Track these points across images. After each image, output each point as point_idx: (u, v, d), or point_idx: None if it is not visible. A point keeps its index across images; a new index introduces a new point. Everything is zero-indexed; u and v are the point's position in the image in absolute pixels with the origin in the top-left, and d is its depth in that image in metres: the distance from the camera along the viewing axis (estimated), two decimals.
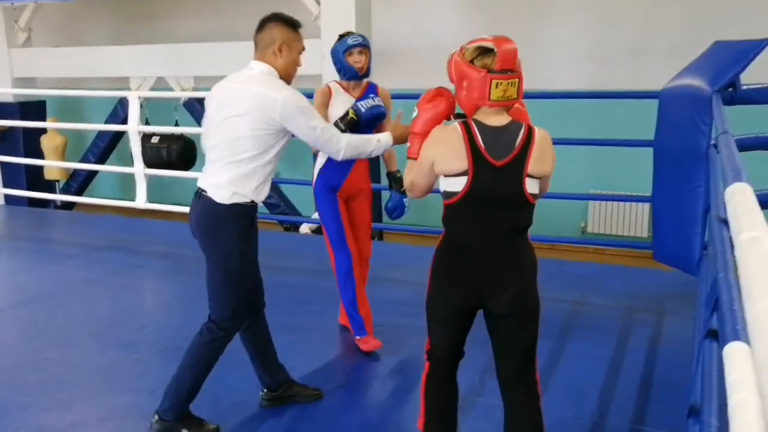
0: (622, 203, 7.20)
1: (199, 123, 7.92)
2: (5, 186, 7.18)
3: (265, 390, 2.92)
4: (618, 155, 6.33)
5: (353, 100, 3.33)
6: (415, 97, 7.24)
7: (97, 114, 8.85)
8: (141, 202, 6.04)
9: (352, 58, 3.29)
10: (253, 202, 2.60)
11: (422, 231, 7.01)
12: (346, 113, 3.26)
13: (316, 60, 6.86)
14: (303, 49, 2.73)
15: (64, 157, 8.55)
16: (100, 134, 8.36)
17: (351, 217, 3.52)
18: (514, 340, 2.17)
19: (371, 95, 3.35)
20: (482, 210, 2.06)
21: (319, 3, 6.83)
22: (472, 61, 2.05)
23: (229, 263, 2.59)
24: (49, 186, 8.72)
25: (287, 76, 2.67)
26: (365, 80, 3.43)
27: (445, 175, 2.08)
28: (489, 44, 2.03)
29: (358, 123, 3.23)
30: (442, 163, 2.07)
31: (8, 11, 8.56)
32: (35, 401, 3.01)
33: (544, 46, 7.31)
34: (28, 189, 7.58)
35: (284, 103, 2.51)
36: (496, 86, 2.00)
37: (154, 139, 7.60)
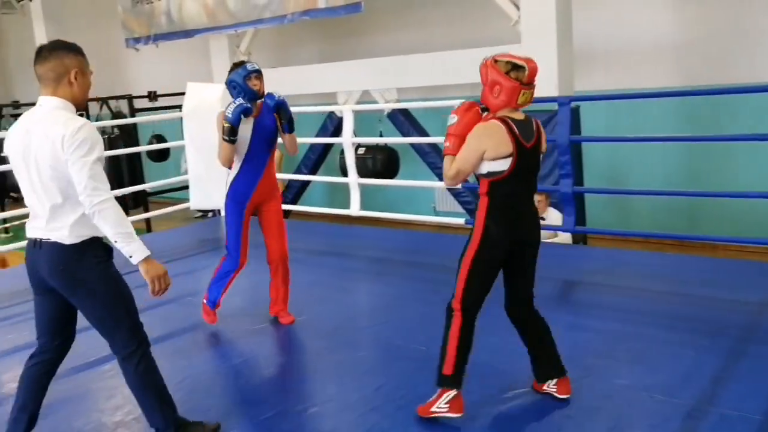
0: None
1: (402, 133, 8.29)
2: None
3: None
4: None
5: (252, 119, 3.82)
6: (618, 98, 7.04)
7: (307, 128, 9.50)
8: (355, 209, 6.40)
9: (251, 83, 3.77)
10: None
11: (627, 234, 6.77)
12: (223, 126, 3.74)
13: None
14: (92, 72, 2.70)
15: (280, 170, 9.29)
16: (312, 147, 8.95)
17: (263, 220, 4.04)
18: (531, 265, 2.93)
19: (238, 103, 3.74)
20: (520, 179, 2.78)
21: (518, 8, 6.82)
22: (507, 73, 2.69)
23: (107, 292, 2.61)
24: None
25: (83, 103, 2.68)
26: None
27: (493, 159, 2.72)
28: (520, 62, 2.70)
29: (233, 128, 3.70)
30: (493, 149, 2.71)
31: (232, 38, 9.46)
32: (272, 393, 3.32)
33: (755, 37, 6.76)
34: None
35: (72, 134, 2.45)
36: (522, 94, 2.71)
37: (360, 150, 8.00)
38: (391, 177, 8.06)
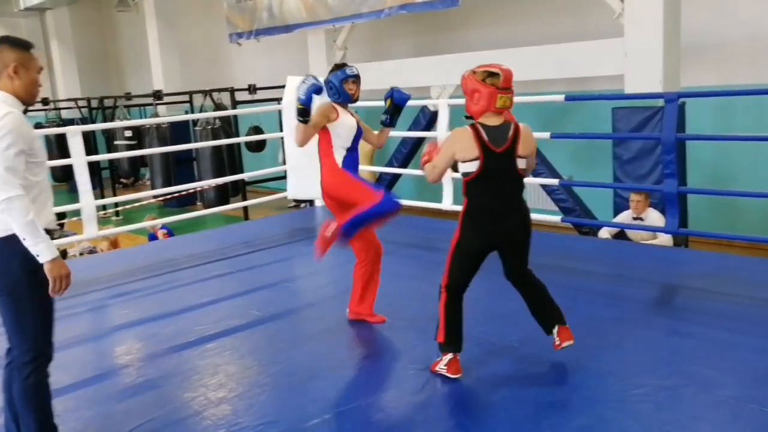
0: None
1: None
2: None
3: None
4: None
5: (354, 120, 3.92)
6: (729, 94, 6.69)
7: (400, 122, 9.54)
8: (447, 203, 6.39)
9: (347, 86, 3.85)
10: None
11: (733, 237, 6.44)
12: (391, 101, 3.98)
13: (618, 60, 6.67)
14: (41, 68, 2.66)
15: (372, 162, 9.38)
16: (404, 140, 8.99)
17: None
18: (518, 253, 3.27)
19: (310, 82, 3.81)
20: (491, 181, 3.07)
21: (622, 0, 6.61)
22: (483, 80, 3.03)
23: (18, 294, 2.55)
24: None
25: (30, 97, 2.64)
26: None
27: (463, 161, 3.06)
28: (495, 70, 3.04)
29: (305, 109, 3.76)
30: (460, 152, 3.06)
31: (329, 32, 9.63)
32: (357, 385, 3.37)
33: None
34: None
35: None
36: (500, 98, 3.02)
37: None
38: None
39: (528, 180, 7.23)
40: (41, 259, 2.48)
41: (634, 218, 6.13)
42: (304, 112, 3.79)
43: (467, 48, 8.74)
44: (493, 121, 3.07)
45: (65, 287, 2.55)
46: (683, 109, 6.06)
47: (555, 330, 3.30)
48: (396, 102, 4.06)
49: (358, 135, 3.98)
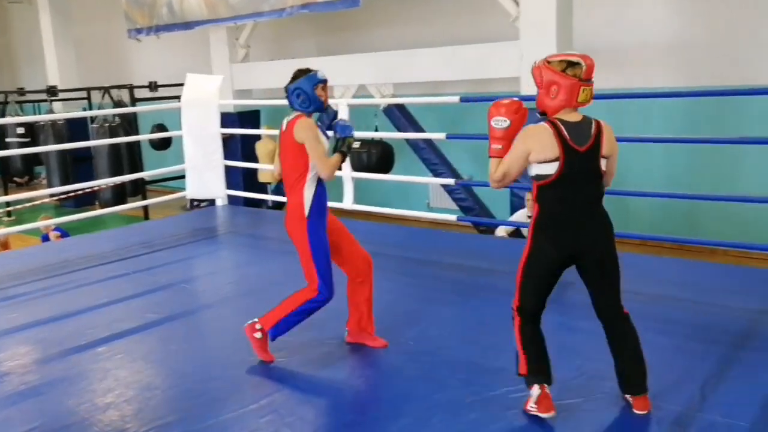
0: None
1: (398, 128, 8.32)
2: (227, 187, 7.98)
3: None
4: None
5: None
6: (616, 97, 7.05)
7: None
8: (348, 203, 6.43)
9: (318, 92, 3.41)
10: None
11: (624, 235, 6.72)
12: (345, 141, 3.46)
13: (514, 62, 6.90)
14: None
15: (273, 162, 9.30)
16: None
17: (335, 228, 3.53)
18: (605, 281, 2.80)
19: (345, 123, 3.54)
20: (572, 185, 2.67)
21: (518, 4, 6.84)
22: (563, 71, 2.63)
23: None
24: (262, 188, 9.53)
25: None
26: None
27: (539, 162, 2.65)
28: (576, 59, 2.64)
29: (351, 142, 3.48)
30: (538, 152, 2.64)
31: (231, 30, 9.49)
32: (260, 382, 3.36)
33: (762, 38, 6.75)
34: (245, 190, 8.34)
35: None
36: (583, 91, 2.63)
37: (355, 145, 8.01)
38: (386, 172, 8.09)
39: (426, 179, 7.43)
40: None
41: (529, 217, 6.35)
42: (350, 146, 3.48)
43: (370, 48, 8.82)
44: (571, 117, 2.69)
45: None
46: None
47: (631, 398, 2.87)
48: (340, 134, 3.53)
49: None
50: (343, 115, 6.41)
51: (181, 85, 7.04)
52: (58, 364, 3.57)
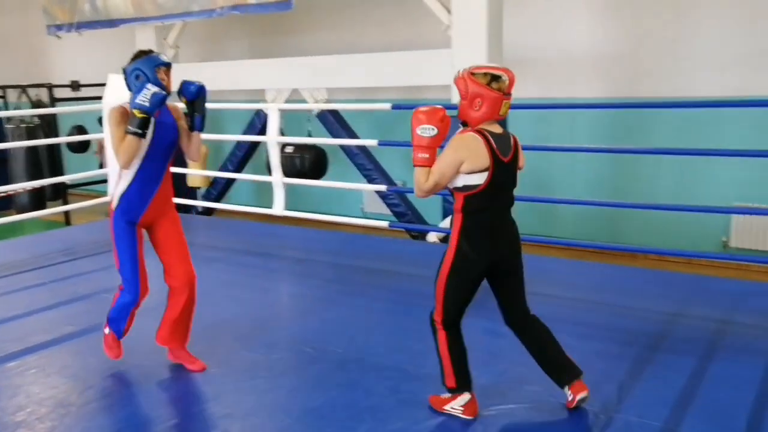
0: None
1: (332, 134, 8.25)
2: None
3: None
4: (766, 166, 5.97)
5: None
6: (548, 107, 7.19)
7: (235, 125, 9.35)
8: (279, 209, 6.31)
9: (159, 75, 3.15)
10: None
11: (550, 241, 6.89)
12: (132, 115, 3.08)
13: (447, 70, 6.93)
14: None
15: (205, 166, 9.08)
16: (238, 144, 8.80)
17: (161, 239, 3.38)
18: (517, 286, 2.93)
19: (154, 90, 3.09)
20: (495, 194, 2.76)
21: (450, 12, 6.88)
22: (488, 84, 2.67)
23: None
24: (191, 193, 9.28)
25: None
26: None
27: (469, 172, 2.69)
28: (499, 72, 2.69)
29: (148, 119, 3.08)
30: (471, 162, 2.68)
31: (159, 30, 9.21)
32: (185, 394, 3.23)
33: (684, 51, 7.00)
34: (173, 195, 8.09)
35: None
36: (504, 105, 2.70)
37: (288, 149, 7.91)
38: (319, 177, 8.01)
39: (359, 185, 7.39)
40: None
41: None
42: (145, 123, 3.10)
43: (303, 52, 8.72)
44: (495, 128, 2.76)
45: None
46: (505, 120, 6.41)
47: (569, 389, 2.92)
48: (187, 97, 3.30)
49: (162, 142, 3.23)
50: (274, 120, 6.30)
51: (104, 85, 6.78)
52: None
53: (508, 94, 2.71)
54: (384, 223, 6.23)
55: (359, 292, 4.68)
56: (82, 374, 3.45)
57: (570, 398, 2.91)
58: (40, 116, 10.15)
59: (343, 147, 7.98)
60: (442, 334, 2.87)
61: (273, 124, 6.28)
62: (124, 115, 3.15)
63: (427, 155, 2.72)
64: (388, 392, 3.12)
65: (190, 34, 9.69)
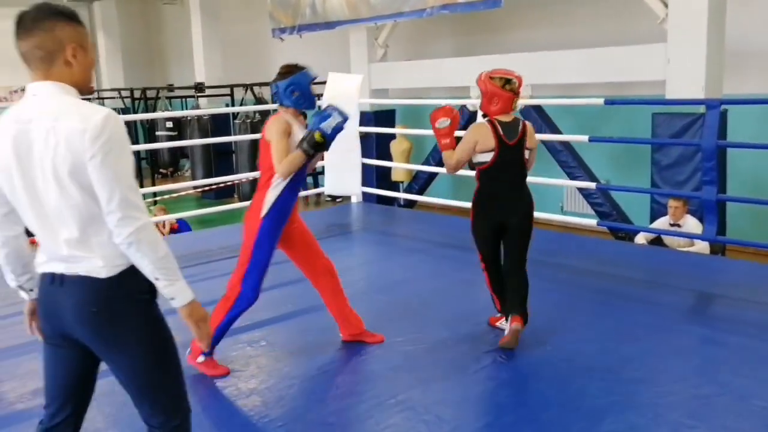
0: None
1: (535, 130, 8.13)
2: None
3: None
4: None
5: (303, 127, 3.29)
6: None
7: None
8: None
9: (312, 90, 3.29)
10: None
11: None
12: (310, 135, 3.12)
13: (660, 65, 6.61)
14: (94, 45, 2.08)
15: (409, 160, 9.42)
16: None
17: (296, 235, 3.48)
18: (517, 244, 3.62)
19: (339, 119, 3.18)
20: (502, 170, 3.54)
21: (666, 5, 6.55)
22: (503, 87, 3.50)
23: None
24: (394, 186, 9.67)
25: (88, 85, 1.94)
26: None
27: (480, 152, 3.52)
28: (511, 77, 3.52)
29: (324, 145, 3.14)
30: (481, 143, 3.51)
31: (371, 30, 9.69)
32: (398, 374, 3.41)
33: None
34: (378, 188, 8.49)
35: (95, 129, 1.78)
36: (514, 102, 3.55)
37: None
38: None
39: (561, 182, 7.28)
40: (177, 303, 1.91)
41: (672, 224, 6.07)
42: (320, 146, 3.17)
43: (507, 50, 8.72)
44: (505, 118, 3.55)
45: (207, 333, 1.99)
46: (725, 116, 5.98)
47: (509, 317, 3.56)
48: (326, 135, 3.16)
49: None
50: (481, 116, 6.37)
51: (321, 83, 7.26)
52: None
53: (517, 94, 3.53)
54: (590, 222, 6.10)
55: (566, 291, 4.61)
56: (305, 348, 3.76)
57: (504, 328, 3.62)
58: (261, 112, 11.08)
59: (545, 143, 7.88)
60: (485, 273, 3.74)
61: (481, 119, 6.36)
62: (288, 127, 3.24)
63: (447, 140, 3.59)
64: (599, 393, 3.07)
65: (399, 33, 10.07)
